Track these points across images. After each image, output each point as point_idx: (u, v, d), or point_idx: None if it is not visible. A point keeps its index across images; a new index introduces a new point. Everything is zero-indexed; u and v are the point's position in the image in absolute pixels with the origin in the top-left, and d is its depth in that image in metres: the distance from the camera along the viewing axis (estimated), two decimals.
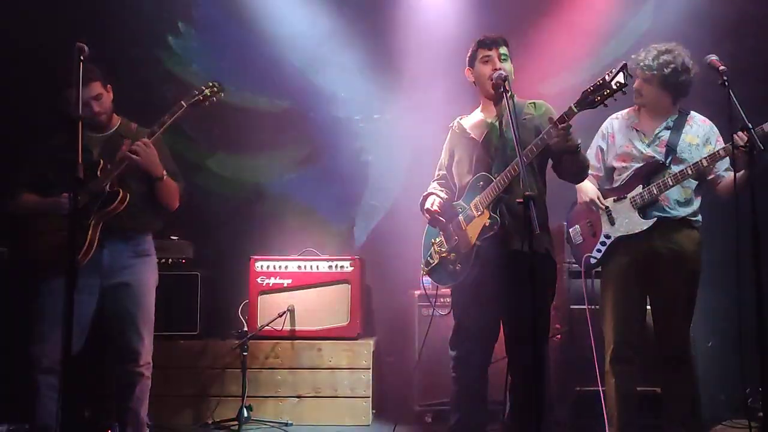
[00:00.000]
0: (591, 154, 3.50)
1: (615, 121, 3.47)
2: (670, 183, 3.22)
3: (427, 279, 3.28)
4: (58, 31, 4.15)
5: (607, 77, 2.64)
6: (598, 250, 3.37)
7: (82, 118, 2.67)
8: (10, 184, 3.30)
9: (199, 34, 5.01)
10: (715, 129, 3.35)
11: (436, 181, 3.33)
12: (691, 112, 3.38)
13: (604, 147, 3.48)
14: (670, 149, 3.29)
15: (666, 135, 3.32)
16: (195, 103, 3.27)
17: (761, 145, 2.75)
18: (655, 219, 3.25)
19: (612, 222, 3.35)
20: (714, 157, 3.16)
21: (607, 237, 3.34)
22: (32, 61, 4.38)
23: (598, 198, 3.38)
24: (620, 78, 2.60)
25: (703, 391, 3.90)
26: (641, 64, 3.26)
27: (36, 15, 4.30)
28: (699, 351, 3.98)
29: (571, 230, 3.55)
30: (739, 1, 4.46)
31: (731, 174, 3.18)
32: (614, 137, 3.44)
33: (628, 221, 3.30)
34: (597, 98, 2.66)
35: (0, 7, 4.37)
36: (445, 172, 3.32)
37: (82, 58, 2.69)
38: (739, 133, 2.86)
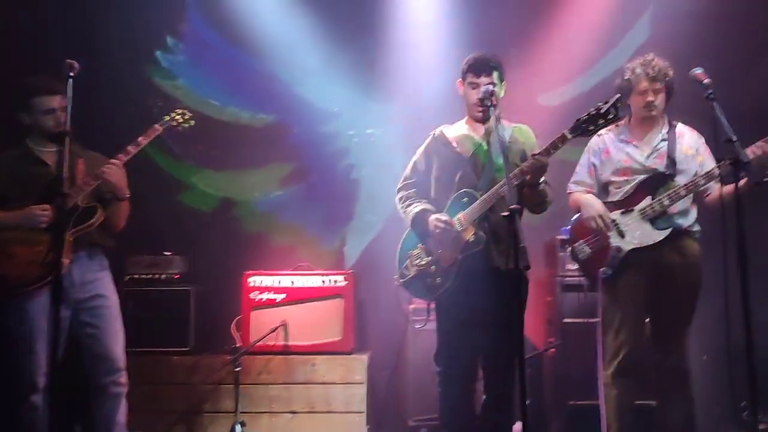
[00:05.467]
0: (582, 172, 3.50)
1: (606, 137, 3.44)
2: (683, 193, 3.19)
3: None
4: (45, 44, 4.19)
5: (601, 108, 2.68)
6: (611, 265, 3.30)
7: (69, 132, 2.69)
8: None
9: (187, 49, 5.03)
10: (702, 139, 3.36)
11: (411, 189, 3.29)
12: (678, 123, 3.40)
13: (597, 163, 3.46)
14: (671, 160, 3.29)
15: (664, 146, 3.32)
16: (169, 128, 3.47)
17: (745, 157, 2.74)
18: (671, 229, 3.22)
19: (622, 235, 3.30)
20: (723, 167, 3.09)
21: (618, 250, 3.29)
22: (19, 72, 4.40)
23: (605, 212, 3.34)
24: (614, 110, 2.66)
25: (698, 405, 3.89)
26: (650, 74, 3.23)
27: (24, 26, 4.33)
28: (693, 365, 3.96)
29: (576, 245, 3.44)
30: (735, 13, 4.49)
31: (718, 186, 3.20)
32: (609, 152, 3.42)
33: (641, 233, 3.26)
34: (591, 127, 2.73)
35: None
36: (417, 179, 3.29)
37: (72, 74, 2.73)
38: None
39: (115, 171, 3.24)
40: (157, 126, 3.41)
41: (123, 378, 3.31)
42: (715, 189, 3.27)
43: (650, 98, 3.27)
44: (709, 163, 3.29)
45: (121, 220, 3.41)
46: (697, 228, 3.34)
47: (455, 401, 3.10)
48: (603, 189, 3.47)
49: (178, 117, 3.52)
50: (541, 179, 2.96)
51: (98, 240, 3.32)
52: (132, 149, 3.30)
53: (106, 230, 3.34)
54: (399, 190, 3.35)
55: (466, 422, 3.11)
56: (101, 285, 3.32)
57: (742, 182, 2.88)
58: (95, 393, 3.28)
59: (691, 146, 3.34)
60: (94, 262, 3.33)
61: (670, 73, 3.27)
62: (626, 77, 3.31)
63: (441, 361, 3.16)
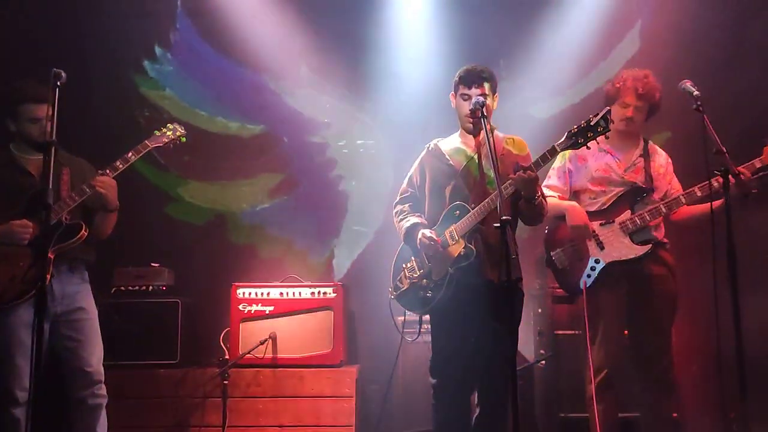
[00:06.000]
0: (556, 176, 3.50)
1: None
2: (663, 210, 3.24)
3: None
4: (34, 52, 4.15)
5: (591, 120, 2.69)
6: (588, 276, 3.31)
7: (55, 142, 2.66)
8: None
9: (175, 59, 4.99)
10: (670, 160, 3.46)
11: (407, 203, 3.31)
12: (650, 141, 3.46)
13: (573, 169, 3.46)
14: (649, 176, 3.33)
15: (641, 162, 3.37)
16: (159, 145, 3.41)
17: (735, 170, 2.76)
18: (651, 246, 3.25)
19: (601, 247, 3.31)
20: (704, 189, 3.17)
21: (597, 262, 3.31)
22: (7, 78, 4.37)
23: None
24: (604, 123, 2.66)
25: (686, 416, 3.89)
26: (639, 91, 3.28)
27: (13, 33, 4.30)
28: (682, 375, 3.96)
29: (553, 254, 3.44)
30: (723, 23, 4.54)
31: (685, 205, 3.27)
32: (585, 159, 3.42)
33: (620, 246, 3.28)
34: (580, 140, 2.73)
35: None
36: (413, 192, 3.31)
37: (58, 84, 2.70)
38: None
39: (107, 183, 3.20)
40: (147, 142, 3.37)
41: (102, 390, 3.27)
42: (681, 208, 3.33)
43: (630, 114, 3.32)
44: (676, 183, 3.39)
45: (108, 229, 3.39)
46: (666, 240, 3.38)
47: (449, 414, 3.08)
48: (574, 196, 3.47)
49: (169, 133, 3.47)
50: (537, 193, 2.94)
51: (80, 254, 3.28)
52: (120, 164, 3.27)
53: (89, 244, 3.30)
54: (395, 204, 3.36)
55: None
56: (81, 298, 3.29)
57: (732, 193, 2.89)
58: (74, 406, 3.25)
59: (662, 165, 3.40)
60: (75, 275, 3.30)
61: (657, 96, 3.32)
62: (616, 85, 3.34)
63: (436, 373, 3.13)
